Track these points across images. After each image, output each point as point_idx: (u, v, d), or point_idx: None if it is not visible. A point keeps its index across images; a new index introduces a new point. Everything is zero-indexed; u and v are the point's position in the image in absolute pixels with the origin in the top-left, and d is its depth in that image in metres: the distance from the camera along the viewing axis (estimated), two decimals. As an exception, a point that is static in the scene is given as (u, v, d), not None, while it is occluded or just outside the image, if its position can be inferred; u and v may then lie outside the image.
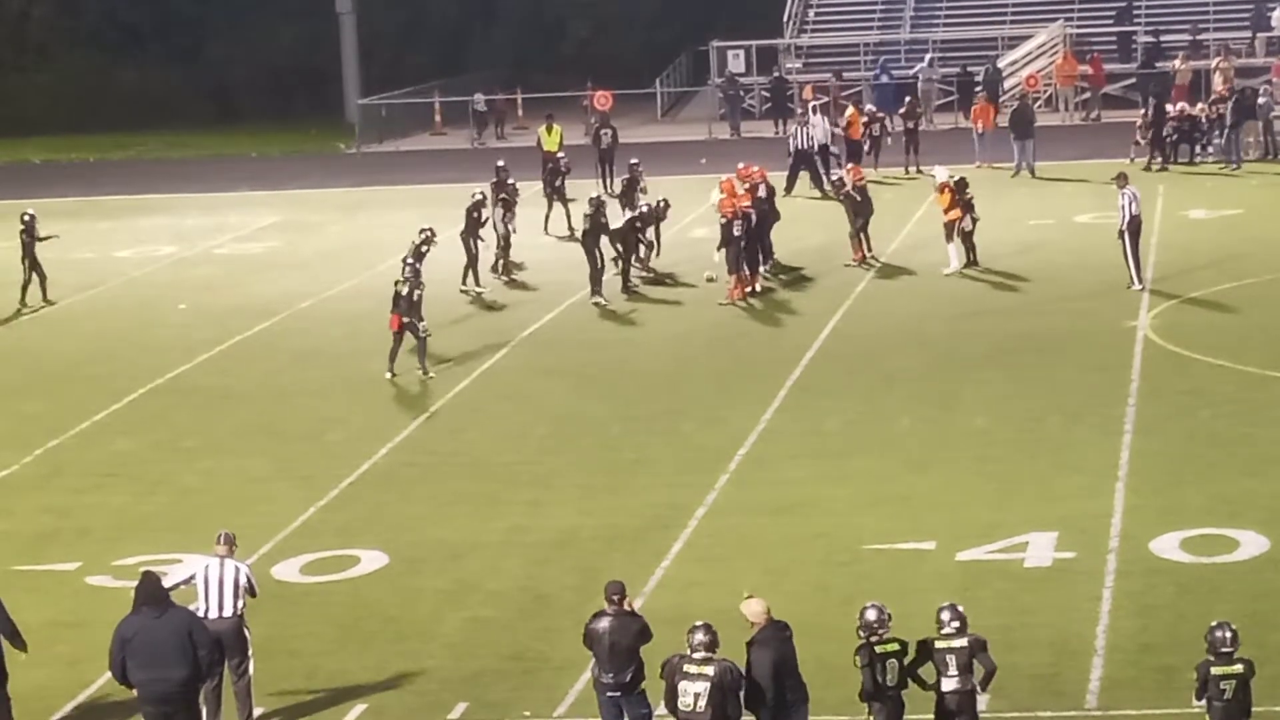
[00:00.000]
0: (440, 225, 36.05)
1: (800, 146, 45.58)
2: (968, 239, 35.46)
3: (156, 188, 53.04)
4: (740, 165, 37.35)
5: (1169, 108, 48.39)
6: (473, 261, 35.96)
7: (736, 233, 33.73)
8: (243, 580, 17.13)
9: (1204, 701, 14.94)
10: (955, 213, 35.23)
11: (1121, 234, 33.29)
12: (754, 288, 34.22)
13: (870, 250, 36.70)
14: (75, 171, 58.66)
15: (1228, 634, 14.99)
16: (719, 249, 34.08)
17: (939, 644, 15.21)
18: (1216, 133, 47.70)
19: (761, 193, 35.94)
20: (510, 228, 37.09)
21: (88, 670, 18.83)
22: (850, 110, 48.77)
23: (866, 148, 48.01)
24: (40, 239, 36.55)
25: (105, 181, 54.74)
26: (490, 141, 59.04)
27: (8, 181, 55.76)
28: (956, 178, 36.20)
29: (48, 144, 63.76)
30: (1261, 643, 17.86)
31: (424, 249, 33.04)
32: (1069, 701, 16.76)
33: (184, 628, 15.70)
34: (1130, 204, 33.14)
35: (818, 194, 44.68)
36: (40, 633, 19.97)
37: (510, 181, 38.42)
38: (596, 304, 33.98)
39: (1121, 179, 34.30)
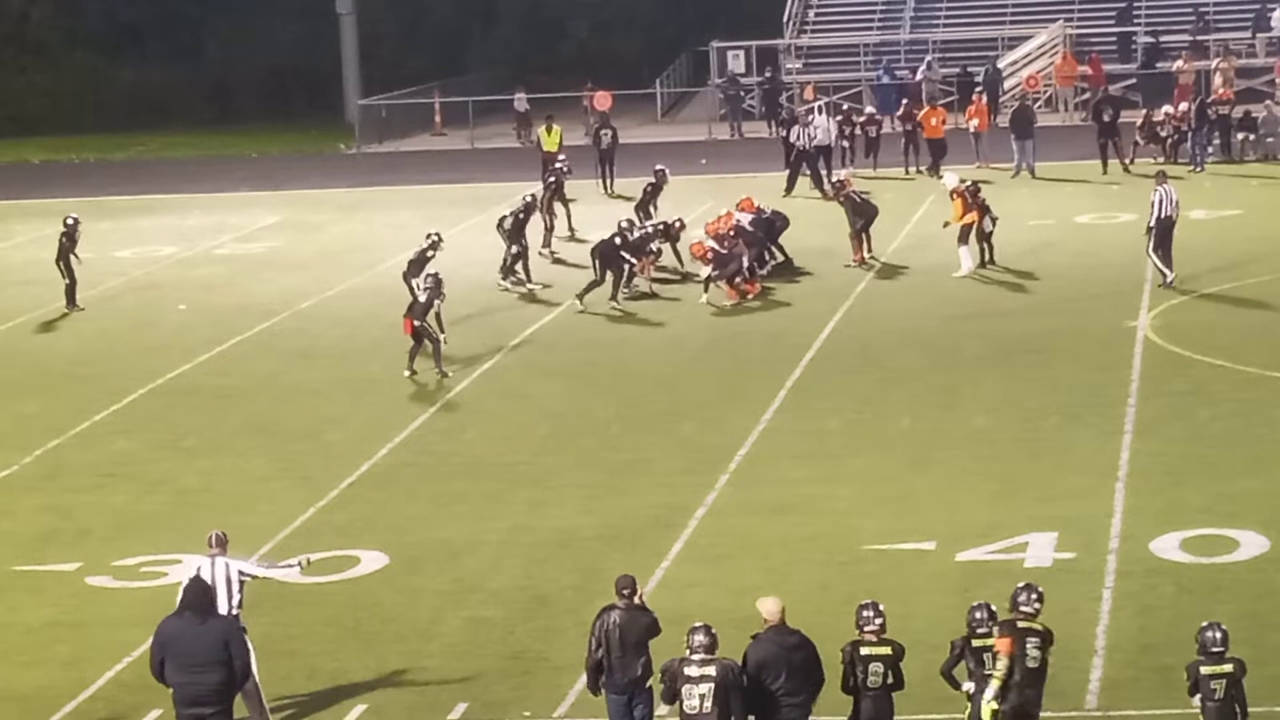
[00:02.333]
0: (440, 226, 36.07)
1: (802, 147, 45.59)
2: (987, 239, 35.42)
3: (156, 188, 53.06)
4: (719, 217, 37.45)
5: (1167, 108, 48.48)
6: (523, 254, 36.06)
7: (729, 248, 34.02)
8: (235, 576, 17.10)
9: (1198, 702, 14.95)
10: (972, 216, 35.17)
11: (1149, 230, 33.17)
12: (752, 291, 34.21)
13: (870, 251, 36.70)
14: (75, 171, 58.67)
15: (1218, 634, 15.00)
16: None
17: (976, 642, 15.20)
18: (1216, 134, 47.77)
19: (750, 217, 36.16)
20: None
21: (88, 670, 18.83)
22: (926, 108, 48.51)
23: (864, 150, 47.99)
24: (74, 248, 36.24)
25: (105, 181, 54.75)
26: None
27: (8, 181, 55.80)
28: (968, 183, 36.23)
29: (48, 144, 63.78)
30: (1261, 643, 17.87)
31: (429, 254, 32.97)
32: (1069, 701, 16.76)
33: (223, 637, 15.71)
34: (1161, 202, 33.05)
35: (818, 194, 44.68)
36: (40, 633, 20.02)
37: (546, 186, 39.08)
38: (580, 309, 33.86)
39: (1160, 176, 34.18)
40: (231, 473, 25.47)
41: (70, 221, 36.49)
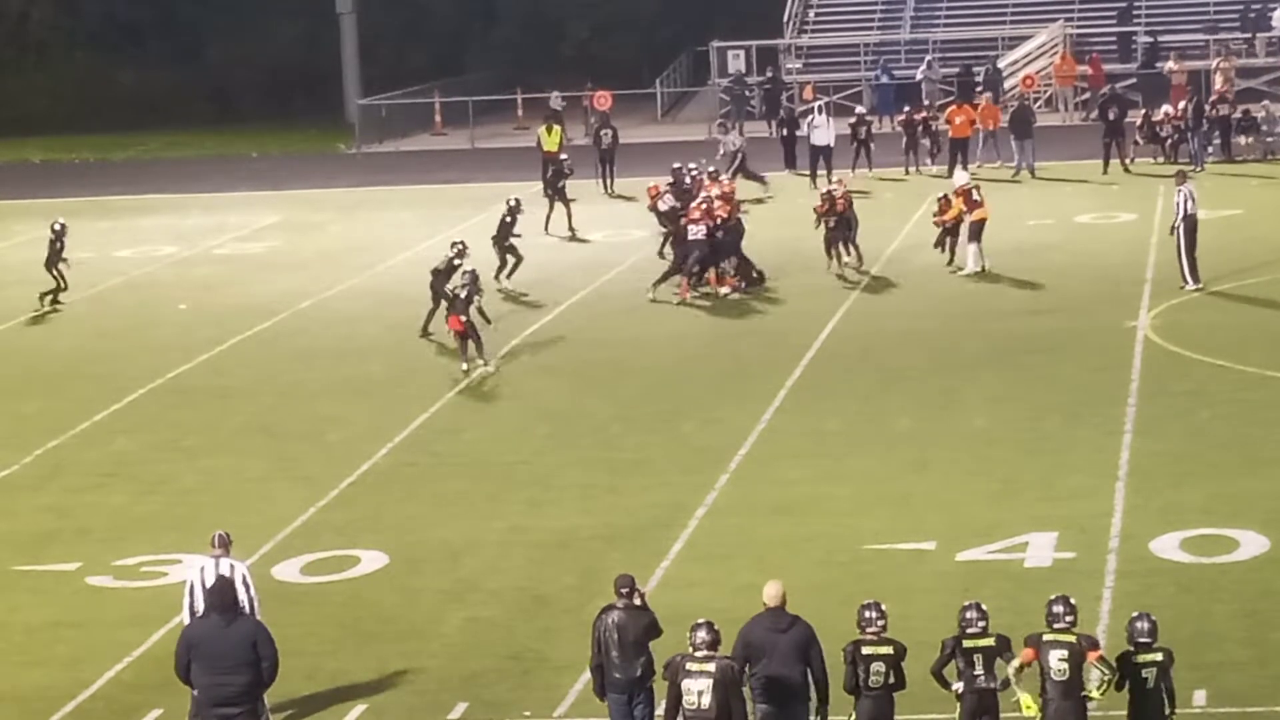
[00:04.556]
0: (440, 226, 36.07)
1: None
2: (951, 237, 35.25)
3: (156, 188, 53.03)
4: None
5: (1166, 108, 48.51)
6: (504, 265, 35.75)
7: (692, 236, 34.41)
8: (239, 577, 17.10)
9: (1128, 692, 15.07)
10: (982, 212, 35.05)
11: (1174, 229, 33.09)
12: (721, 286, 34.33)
13: (852, 259, 35.89)
14: (75, 171, 58.65)
15: (1146, 625, 15.17)
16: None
17: (966, 643, 15.23)
18: (1216, 133, 47.78)
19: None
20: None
21: (88, 670, 18.84)
22: (951, 107, 48.47)
23: (855, 150, 47.87)
24: (62, 253, 36.03)
25: (105, 181, 54.74)
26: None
27: (8, 181, 55.78)
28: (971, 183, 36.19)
29: (48, 144, 63.74)
30: (1261, 643, 17.90)
31: (456, 262, 32.42)
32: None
33: (250, 638, 15.82)
34: (1186, 202, 33.00)
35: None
36: (40, 633, 20.03)
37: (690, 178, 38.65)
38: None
39: (1180, 177, 34.09)
40: (231, 473, 25.47)
41: (58, 226, 36.20)
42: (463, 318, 29.68)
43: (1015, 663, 15.05)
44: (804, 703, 15.36)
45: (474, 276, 30.22)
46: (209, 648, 15.73)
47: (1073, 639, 15.04)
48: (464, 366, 29.70)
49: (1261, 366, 27.73)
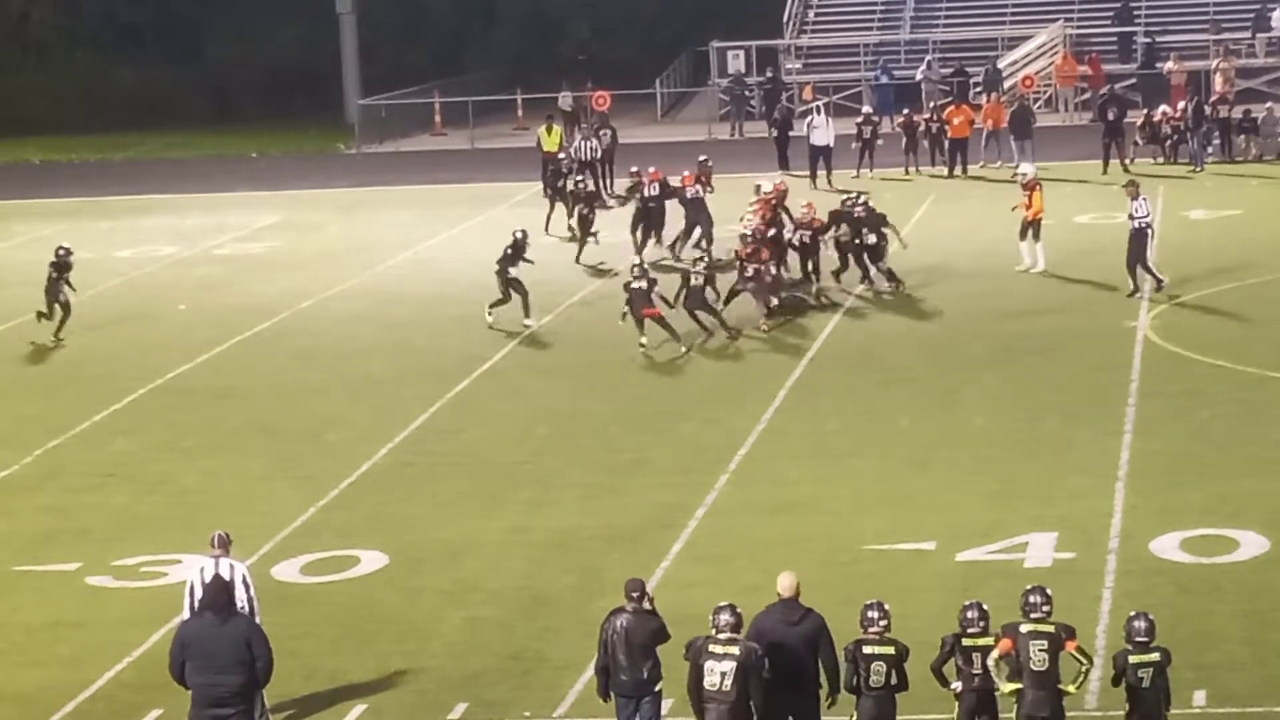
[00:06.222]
0: (440, 226, 36.05)
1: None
2: (867, 255, 34.28)
3: (156, 188, 53.03)
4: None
5: (1165, 108, 48.51)
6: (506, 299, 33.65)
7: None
8: (239, 577, 17.13)
9: (1124, 690, 15.11)
10: (1035, 210, 34.89)
11: (1146, 232, 33.06)
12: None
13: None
14: (75, 171, 58.66)
15: (1143, 624, 15.17)
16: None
17: (966, 641, 15.26)
18: (1216, 134, 47.78)
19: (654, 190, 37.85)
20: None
21: (88, 670, 18.84)
22: (950, 107, 48.50)
23: (860, 151, 47.88)
24: (67, 277, 33.76)
25: (105, 181, 54.74)
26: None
27: (8, 181, 55.79)
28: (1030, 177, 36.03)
29: (48, 144, 63.74)
30: (1261, 642, 17.91)
31: (694, 267, 31.91)
32: (1069, 701, 16.72)
33: (244, 637, 15.82)
34: (1147, 203, 33.00)
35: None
36: (40, 633, 20.04)
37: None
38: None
39: (1133, 187, 33.79)
40: (231, 473, 25.47)
41: (62, 251, 34.09)
42: (651, 307, 30.48)
43: (994, 654, 15.09)
44: (813, 694, 15.43)
45: (642, 269, 30.94)
46: (203, 647, 15.71)
47: (1051, 628, 15.09)
48: (682, 349, 30.28)
49: (1261, 366, 27.74)
